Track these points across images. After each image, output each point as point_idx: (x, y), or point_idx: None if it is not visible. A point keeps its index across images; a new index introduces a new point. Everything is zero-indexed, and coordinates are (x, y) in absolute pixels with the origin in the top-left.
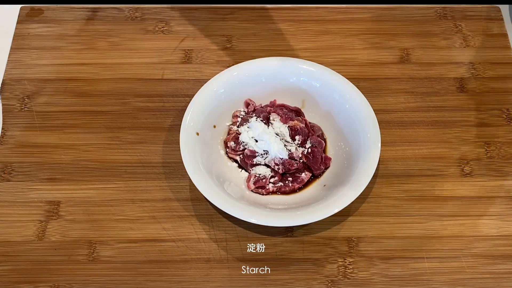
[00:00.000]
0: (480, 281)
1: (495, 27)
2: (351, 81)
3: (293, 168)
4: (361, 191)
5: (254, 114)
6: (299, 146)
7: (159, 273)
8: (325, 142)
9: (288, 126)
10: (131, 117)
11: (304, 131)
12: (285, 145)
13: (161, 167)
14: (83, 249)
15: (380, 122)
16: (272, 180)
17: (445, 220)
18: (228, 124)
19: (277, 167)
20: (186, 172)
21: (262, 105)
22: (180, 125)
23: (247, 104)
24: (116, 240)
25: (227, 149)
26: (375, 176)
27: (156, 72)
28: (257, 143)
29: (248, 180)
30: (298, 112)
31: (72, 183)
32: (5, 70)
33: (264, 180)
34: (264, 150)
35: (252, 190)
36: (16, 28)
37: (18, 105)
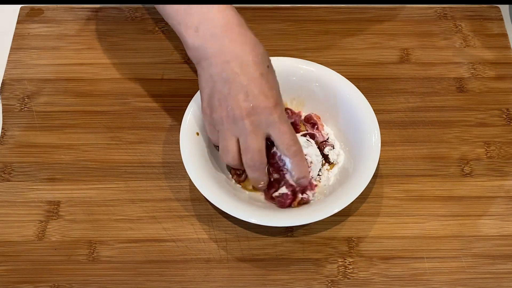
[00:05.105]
0: (480, 281)
1: (495, 27)
2: (351, 81)
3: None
4: (361, 191)
5: None
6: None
7: (159, 273)
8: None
9: None
10: (131, 117)
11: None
12: None
13: (161, 167)
14: (83, 249)
15: (380, 122)
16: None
17: (445, 220)
18: None
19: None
20: (186, 172)
21: None
22: (180, 125)
23: None
24: (116, 240)
25: None
26: (375, 176)
27: (156, 72)
28: None
29: None
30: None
31: (72, 183)
32: (5, 70)
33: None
34: None
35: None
36: (16, 28)
37: (18, 105)
